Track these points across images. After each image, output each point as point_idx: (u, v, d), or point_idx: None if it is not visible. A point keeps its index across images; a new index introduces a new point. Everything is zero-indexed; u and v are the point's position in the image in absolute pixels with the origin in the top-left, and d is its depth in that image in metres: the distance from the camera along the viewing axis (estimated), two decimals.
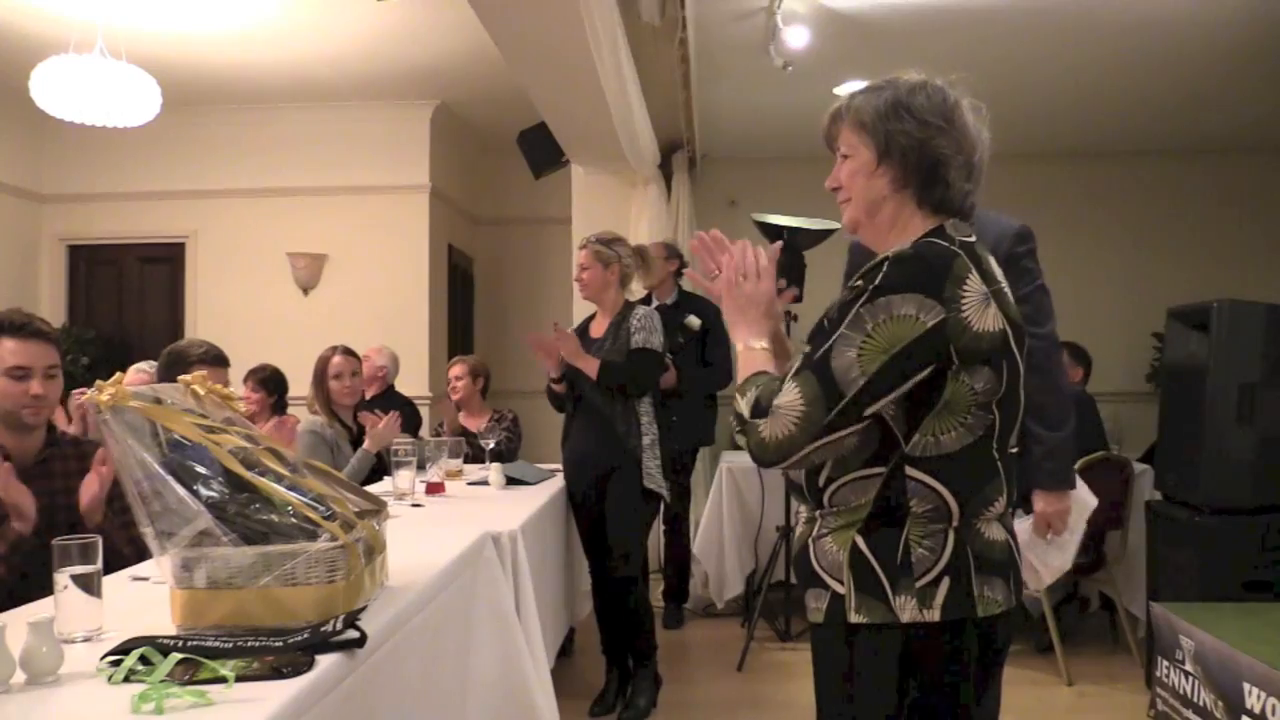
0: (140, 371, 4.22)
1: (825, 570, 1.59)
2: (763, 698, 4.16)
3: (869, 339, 1.47)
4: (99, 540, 1.66)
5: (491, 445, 4.36)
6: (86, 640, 1.62)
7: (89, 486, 2.49)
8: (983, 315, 1.50)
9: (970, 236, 1.60)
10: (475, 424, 5.04)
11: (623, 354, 3.79)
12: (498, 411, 5.15)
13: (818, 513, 1.62)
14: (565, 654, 4.26)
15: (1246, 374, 3.75)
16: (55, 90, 4.83)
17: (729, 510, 5.03)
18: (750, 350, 1.66)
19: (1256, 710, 2.64)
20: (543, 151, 6.36)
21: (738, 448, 6.32)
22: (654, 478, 3.79)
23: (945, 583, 1.51)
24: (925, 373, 1.49)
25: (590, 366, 3.76)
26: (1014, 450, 1.62)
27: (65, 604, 1.63)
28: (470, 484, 4.01)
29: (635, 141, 5.60)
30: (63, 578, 1.63)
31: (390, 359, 5.62)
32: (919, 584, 1.51)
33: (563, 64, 4.19)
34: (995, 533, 1.57)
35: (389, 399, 5.38)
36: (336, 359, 4.41)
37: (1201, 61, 5.63)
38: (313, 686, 1.43)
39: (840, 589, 1.56)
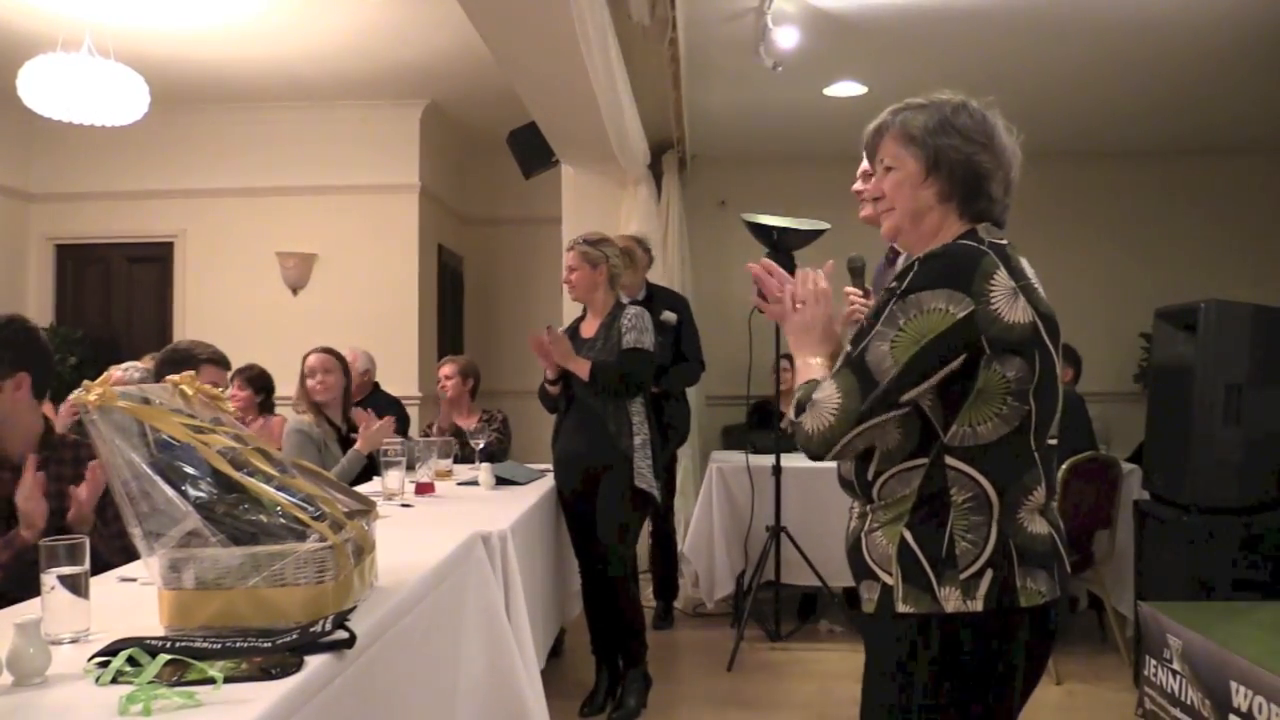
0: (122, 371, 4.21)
1: (876, 563, 1.67)
2: (752, 698, 4.17)
3: (901, 332, 1.57)
4: (86, 541, 1.66)
5: (481, 445, 4.35)
6: (74, 641, 1.61)
7: (76, 498, 2.48)
8: (1012, 307, 1.58)
9: (1002, 240, 1.68)
10: (465, 424, 5.04)
11: (614, 354, 3.79)
12: (487, 412, 5.15)
13: (869, 507, 1.70)
14: (555, 654, 4.25)
15: (1233, 374, 3.76)
16: (43, 88, 4.80)
17: (719, 510, 5.03)
18: (807, 365, 1.78)
19: (1244, 708, 2.65)
20: (533, 151, 6.35)
21: (727, 447, 6.37)
22: (645, 477, 3.78)
23: (989, 574, 1.59)
24: (957, 362, 1.57)
25: (581, 368, 3.76)
26: (1052, 442, 1.69)
27: (52, 605, 1.62)
28: (460, 484, 4.00)
29: (625, 141, 5.60)
30: (50, 579, 1.62)
31: (369, 359, 5.60)
32: (963, 576, 1.59)
33: (553, 64, 4.19)
34: (1038, 526, 1.64)
35: (375, 399, 5.38)
36: (311, 357, 4.39)
37: (1187, 63, 5.65)
38: (301, 687, 1.43)
39: (890, 580, 1.64)
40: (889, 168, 1.75)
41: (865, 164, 2.70)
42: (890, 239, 1.83)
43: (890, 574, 1.63)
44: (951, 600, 1.58)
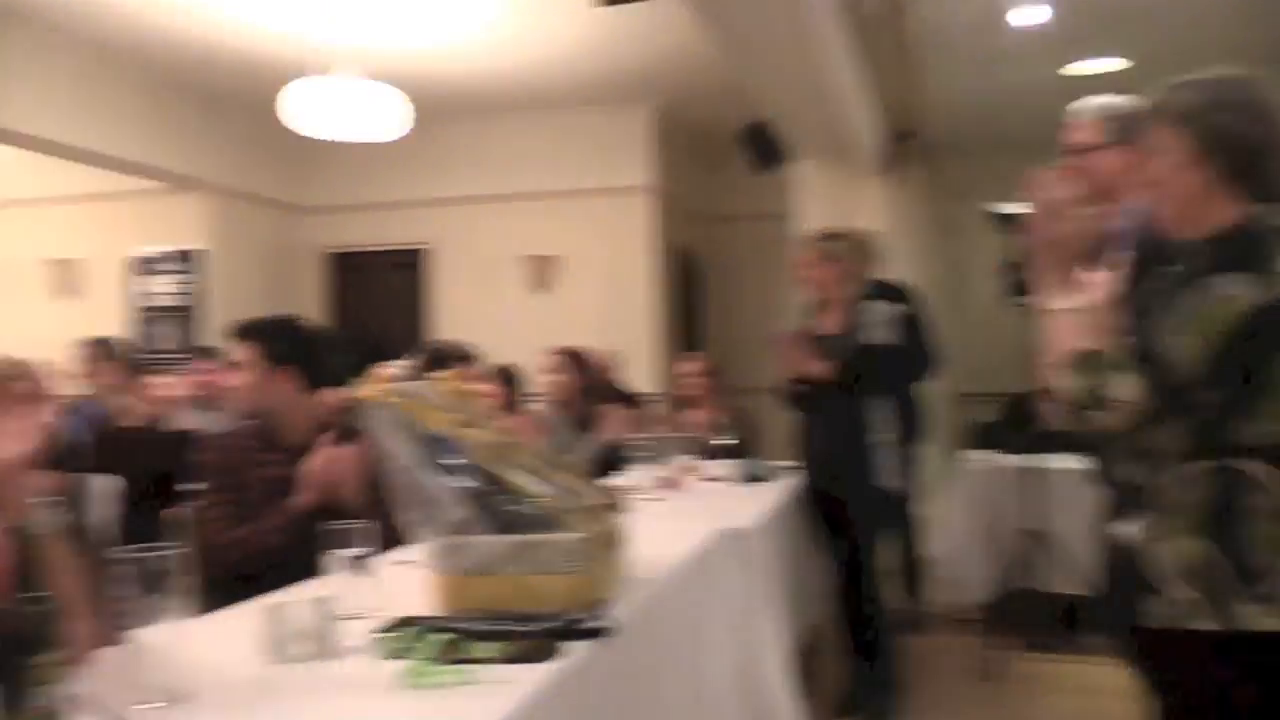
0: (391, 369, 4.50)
1: (1159, 575, 1.55)
2: (1009, 710, 3.99)
3: (1196, 323, 1.46)
4: (376, 526, 1.78)
5: (725, 443, 4.36)
6: (360, 619, 1.72)
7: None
8: None
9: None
10: (708, 421, 5.06)
11: (855, 350, 3.72)
12: (730, 409, 5.15)
13: (1149, 515, 1.58)
14: (805, 653, 4.21)
15: None
16: (307, 110, 5.16)
17: (970, 511, 4.84)
18: (1054, 314, 1.63)
19: None
20: (764, 147, 6.34)
21: (978, 446, 6.10)
22: (891, 475, 3.70)
23: None
24: (1248, 352, 1.45)
25: (825, 369, 3.71)
26: None
27: (339, 583, 1.74)
28: (705, 480, 4.01)
29: (858, 133, 5.50)
30: (337, 558, 1.75)
31: (608, 358, 5.69)
32: (1263, 589, 1.45)
33: (782, 60, 4.16)
34: None
35: (614, 397, 5.49)
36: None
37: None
38: (561, 673, 1.48)
39: (1177, 595, 1.52)
40: (1159, 151, 1.64)
41: (1079, 135, 2.50)
42: (1173, 226, 1.69)
43: (1176, 587, 1.51)
44: (1250, 616, 1.45)
